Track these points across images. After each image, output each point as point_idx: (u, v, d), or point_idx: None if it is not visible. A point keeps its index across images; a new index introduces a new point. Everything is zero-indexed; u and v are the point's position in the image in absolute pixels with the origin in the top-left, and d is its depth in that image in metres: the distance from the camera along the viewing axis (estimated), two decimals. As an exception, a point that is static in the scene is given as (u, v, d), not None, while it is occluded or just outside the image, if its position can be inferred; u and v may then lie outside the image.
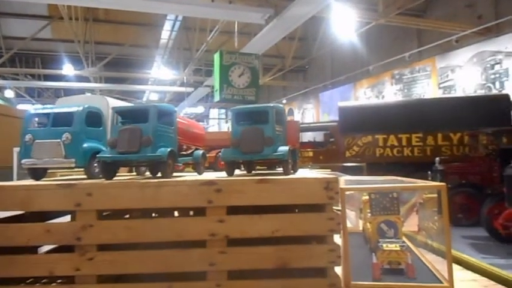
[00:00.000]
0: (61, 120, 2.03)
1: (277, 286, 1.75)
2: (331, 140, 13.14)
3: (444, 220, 1.89)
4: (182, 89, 19.10)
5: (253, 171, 2.31)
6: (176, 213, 2.22)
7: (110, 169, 1.98)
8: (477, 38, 12.96)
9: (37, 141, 2.02)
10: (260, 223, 1.78)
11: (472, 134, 10.22)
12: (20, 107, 16.67)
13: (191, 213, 2.18)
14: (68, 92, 19.16)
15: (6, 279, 1.78)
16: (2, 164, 6.25)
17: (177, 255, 1.78)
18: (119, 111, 2.00)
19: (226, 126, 28.24)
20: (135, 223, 1.80)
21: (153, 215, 2.39)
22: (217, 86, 13.27)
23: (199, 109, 26.13)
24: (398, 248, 2.12)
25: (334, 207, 1.78)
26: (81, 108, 2.05)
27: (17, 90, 21.70)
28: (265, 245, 1.78)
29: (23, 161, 2.03)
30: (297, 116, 22.01)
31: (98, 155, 1.95)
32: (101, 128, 2.15)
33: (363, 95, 18.21)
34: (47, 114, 2.06)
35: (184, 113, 23.77)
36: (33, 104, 21.73)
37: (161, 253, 1.78)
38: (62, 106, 2.11)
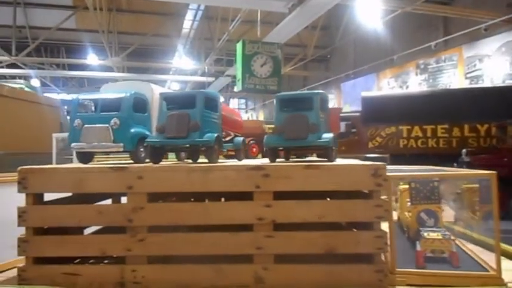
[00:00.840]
0: (109, 106, 2.08)
1: (322, 271, 1.77)
2: (353, 130, 12.98)
3: (494, 209, 1.87)
4: (203, 78, 19.16)
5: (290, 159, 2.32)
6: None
7: (157, 153, 2.03)
8: (506, 27, 12.55)
9: (86, 126, 2.08)
10: (307, 208, 1.79)
11: (500, 125, 9.97)
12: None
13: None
14: (92, 81, 19.45)
15: (56, 259, 1.85)
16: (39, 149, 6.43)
17: (226, 238, 1.81)
18: (166, 97, 2.03)
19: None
20: (185, 206, 1.83)
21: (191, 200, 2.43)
22: (239, 75, 13.26)
23: (221, 99, 26.19)
24: (441, 237, 2.11)
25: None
26: (128, 94, 2.09)
27: (42, 79, 22.16)
28: (310, 231, 1.80)
29: (72, 144, 2.09)
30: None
31: (146, 140, 2.00)
32: (146, 114, 2.19)
33: (387, 85, 17.92)
34: (96, 100, 2.11)
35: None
36: (58, 93, 22.18)
37: (210, 236, 1.82)
38: (109, 92, 2.16)
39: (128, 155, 2.21)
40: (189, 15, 16.04)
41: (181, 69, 19.89)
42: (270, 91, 13.69)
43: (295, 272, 1.78)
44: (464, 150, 9.13)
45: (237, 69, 13.49)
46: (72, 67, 20.42)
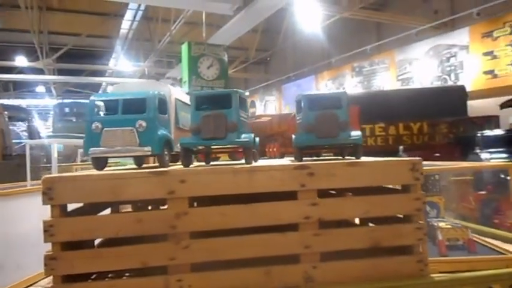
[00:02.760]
0: (132, 107, 1.94)
1: (369, 265, 1.81)
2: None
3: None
4: (143, 81, 18.54)
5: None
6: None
7: (190, 156, 1.94)
8: (433, 32, 13.66)
9: (107, 129, 1.92)
10: (351, 205, 1.82)
11: (432, 124, 10.84)
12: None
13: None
14: (20, 85, 17.96)
15: (83, 275, 1.70)
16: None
17: (273, 239, 1.78)
18: (198, 97, 1.94)
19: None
20: (229, 209, 1.76)
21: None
22: (185, 77, 13.03)
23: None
24: (455, 226, 2.26)
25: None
26: (153, 93, 1.97)
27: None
28: (353, 227, 1.83)
29: (91, 150, 1.92)
30: (259, 109, 22.13)
31: (182, 142, 1.89)
32: (166, 115, 2.08)
33: (325, 87, 18.63)
34: (115, 101, 1.95)
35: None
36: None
37: (257, 238, 1.77)
38: (125, 92, 2.01)
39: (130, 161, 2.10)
40: (128, 16, 15.45)
41: (119, 71, 19.08)
42: (218, 93, 13.60)
43: (342, 268, 1.80)
44: (401, 147, 9.80)
45: (183, 71, 13.23)
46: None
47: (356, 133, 2.02)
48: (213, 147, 2.00)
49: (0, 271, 1.91)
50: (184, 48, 13.10)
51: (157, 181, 1.71)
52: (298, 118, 2.12)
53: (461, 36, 12.62)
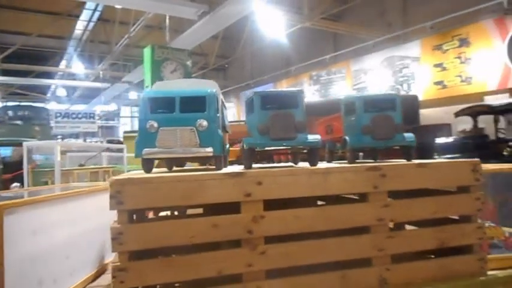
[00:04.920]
0: (190, 105, 1.81)
1: (436, 266, 1.82)
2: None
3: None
4: (98, 84, 17.76)
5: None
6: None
7: (253, 157, 1.84)
8: (387, 44, 14.34)
9: (163, 128, 1.78)
10: (421, 206, 1.82)
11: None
12: None
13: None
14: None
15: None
16: None
17: (347, 243, 1.73)
18: (263, 96, 1.85)
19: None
20: (304, 212, 1.70)
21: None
22: (148, 82, 12.65)
23: (112, 107, 24.46)
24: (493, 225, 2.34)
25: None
26: (213, 91, 1.85)
27: None
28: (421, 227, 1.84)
29: (145, 150, 1.77)
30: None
31: (249, 142, 1.79)
32: (218, 115, 1.97)
33: (283, 95, 18.87)
34: (172, 98, 1.81)
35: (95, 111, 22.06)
36: None
37: (331, 241, 1.72)
38: (186, 90, 1.88)
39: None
40: (84, 16, 14.72)
41: (71, 73, 18.11)
42: (181, 99, 13.32)
43: (412, 269, 1.80)
44: (361, 154, 10.15)
45: (145, 75, 12.86)
46: None
47: (409, 135, 2.04)
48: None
49: (39, 286, 1.70)
50: (146, 51, 12.74)
51: (233, 183, 1.60)
52: (352, 119, 2.10)
53: (413, 49, 13.36)
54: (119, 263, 1.50)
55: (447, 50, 12.27)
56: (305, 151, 1.94)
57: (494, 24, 10.57)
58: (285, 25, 14.53)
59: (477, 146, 7.05)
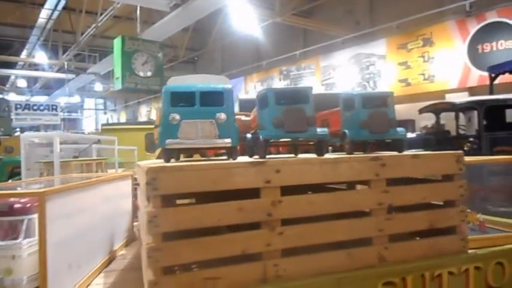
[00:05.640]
0: (209, 99, 1.96)
1: (426, 245, 2.07)
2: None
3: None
4: (63, 75, 17.22)
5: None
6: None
7: (267, 148, 2.01)
8: (355, 41, 14.80)
9: (185, 120, 1.91)
10: (414, 192, 2.06)
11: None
12: None
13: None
14: None
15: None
16: None
17: (353, 224, 1.95)
18: (277, 92, 2.02)
19: (105, 118, 26.20)
20: (316, 197, 1.89)
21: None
22: (118, 73, 12.50)
23: (76, 99, 23.74)
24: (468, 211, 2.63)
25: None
26: (230, 87, 2.00)
27: None
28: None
29: (168, 141, 1.90)
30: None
31: (265, 134, 1.95)
32: (234, 109, 2.12)
33: (253, 89, 19.10)
34: (192, 93, 1.95)
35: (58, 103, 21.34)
36: None
37: (339, 223, 1.92)
38: (205, 85, 2.01)
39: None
40: (48, 4, 14.21)
41: (33, 63, 17.45)
42: (153, 91, 13.26)
43: (408, 248, 2.03)
44: (330, 147, 10.53)
45: (115, 67, 12.68)
46: None
47: (402, 129, 2.28)
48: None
49: (69, 271, 1.80)
50: (117, 42, 12.55)
51: (255, 171, 1.77)
52: (350, 114, 2.31)
53: (380, 47, 13.88)
54: (153, 244, 1.63)
55: (412, 49, 12.85)
56: (311, 143, 2.14)
57: (456, 25, 11.19)
58: (256, 20, 14.67)
59: (439, 141, 7.47)
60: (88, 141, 5.63)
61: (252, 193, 1.80)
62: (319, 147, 2.06)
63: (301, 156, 2.26)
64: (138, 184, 2.93)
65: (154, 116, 23.70)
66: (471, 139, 6.79)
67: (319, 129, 2.03)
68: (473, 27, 10.84)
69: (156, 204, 1.64)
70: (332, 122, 2.63)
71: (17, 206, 1.61)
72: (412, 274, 1.92)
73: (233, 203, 1.74)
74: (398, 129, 2.27)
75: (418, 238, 2.16)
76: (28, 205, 1.64)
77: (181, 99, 1.97)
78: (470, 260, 2.07)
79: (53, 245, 1.63)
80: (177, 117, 1.91)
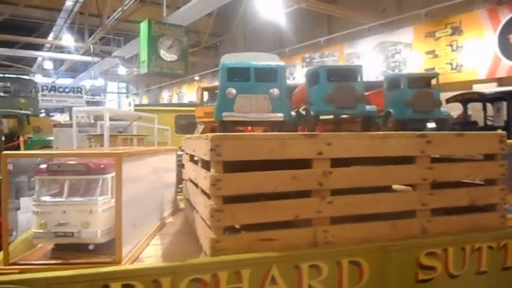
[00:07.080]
0: (263, 75, 2.06)
1: (467, 220, 2.15)
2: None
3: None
4: (89, 58, 17.55)
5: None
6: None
7: (315, 123, 2.12)
8: (381, 29, 14.61)
9: (241, 95, 2.03)
10: (457, 169, 2.15)
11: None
12: None
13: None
14: None
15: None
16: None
17: (397, 197, 2.05)
18: (328, 70, 2.12)
19: (127, 102, 26.65)
20: (365, 169, 1.99)
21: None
22: (144, 57, 12.66)
23: (100, 82, 24.18)
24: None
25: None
26: (283, 64, 2.11)
27: None
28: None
29: (224, 114, 2.02)
30: (207, 93, 21.97)
31: (316, 109, 2.06)
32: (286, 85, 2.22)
33: (275, 75, 19.03)
34: (247, 69, 2.06)
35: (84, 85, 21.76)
36: None
37: (386, 195, 2.03)
38: (259, 63, 2.12)
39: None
40: (77, -13, 14.46)
41: (59, 46, 17.81)
42: (178, 75, 13.42)
43: (449, 222, 2.12)
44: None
45: (141, 51, 12.84)
46: None
47: (445, 109, 2.35)
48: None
49: (133, 229, 1.96)
50: (143, 26, 12.70)
51: (308, 143, 1.88)
52: (395, 94, 2.39)
53: (406, 35, 13.66)
54: (215, 205, 1.77)
55: (439, 37, 12.63)
56: (358, 120, 2.23)
57: (487, 14, 10.95)
58: (281, 5, 14.59)
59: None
60: (131, 118, 5.84)
61: (304, 164, 1.91)
62: (367, 123, 2.15)
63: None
64: (181, 160, 3.09)
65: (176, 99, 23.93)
66: (499, 130, 6.73)
67: (368, 106, 2.12)
68: (505, 17, 10.58)
69: (219, 169, 1.77)
70: (373, 103, 2.71)
71: (93, 166, 1.76)
72: (453, 246, 2.01)
73: (288, 172, 1.86)
74: (442, 109, 2.34)
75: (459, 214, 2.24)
76: (102, 166, 1.79)
77: (237, 75, 2.08)
78: (510, 236, 2.15)
79: (123, 204, 1.78)
80: (233, 91, 2.03)
